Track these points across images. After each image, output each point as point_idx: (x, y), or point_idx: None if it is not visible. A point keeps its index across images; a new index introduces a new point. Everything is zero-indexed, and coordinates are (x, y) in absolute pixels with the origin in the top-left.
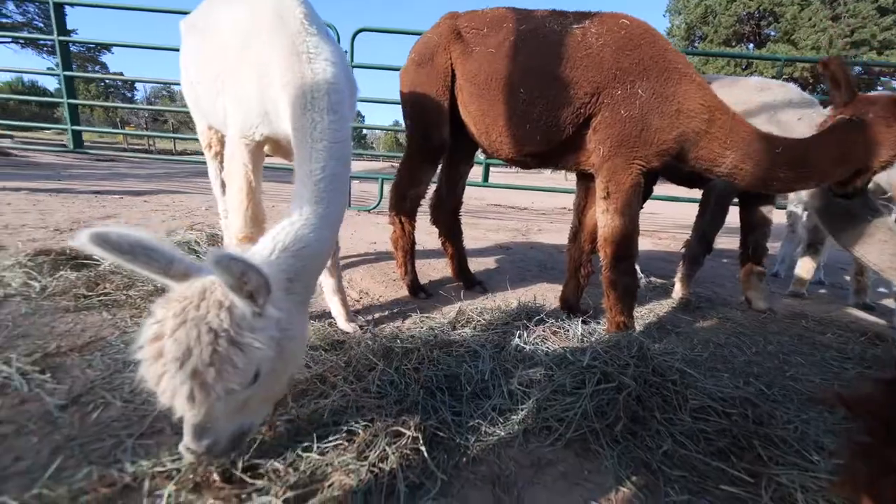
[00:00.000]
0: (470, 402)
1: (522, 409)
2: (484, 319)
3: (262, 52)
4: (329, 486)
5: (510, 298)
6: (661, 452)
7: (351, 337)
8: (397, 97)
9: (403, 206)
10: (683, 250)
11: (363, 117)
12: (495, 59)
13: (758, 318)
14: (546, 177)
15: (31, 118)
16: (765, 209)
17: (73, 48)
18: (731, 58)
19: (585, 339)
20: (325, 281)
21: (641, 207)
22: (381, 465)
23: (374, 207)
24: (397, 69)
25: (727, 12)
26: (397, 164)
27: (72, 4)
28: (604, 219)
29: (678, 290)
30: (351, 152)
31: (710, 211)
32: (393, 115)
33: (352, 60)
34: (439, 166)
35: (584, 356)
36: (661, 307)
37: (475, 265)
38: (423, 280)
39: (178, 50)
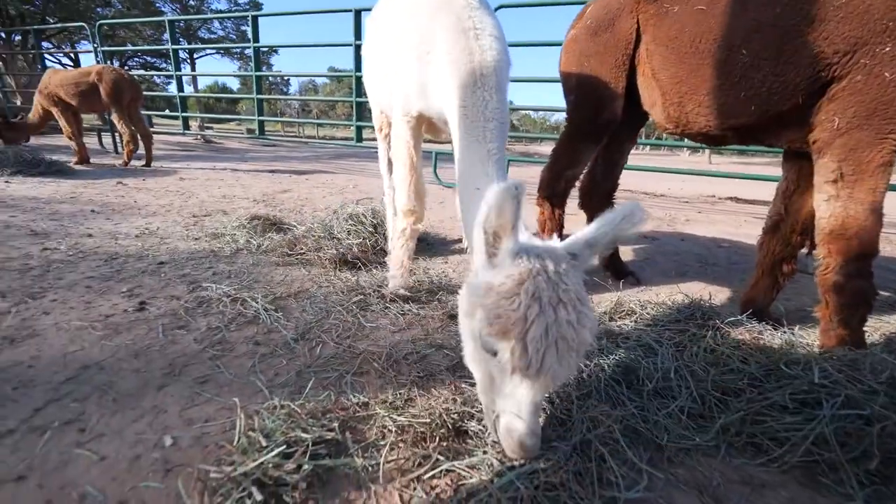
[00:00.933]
0: (652, 399)
1: (721, 419)
2: (648, 314)
3: (425, 27)
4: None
5: (673, 293)
6: None
7: None
8: (534, 75)
9: (557, 188)
10: None
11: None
12: (707, 17)
13: None
14: (684, 160)
15: (223, 113)
16: None
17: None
18: None
19: (794, 351)
20: None
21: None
22: (585, 450)
23: None
24: (545, 44)
25: None
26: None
27: (264, 15)
28: (831, 207)
29: None
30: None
31: None
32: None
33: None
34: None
35: (809, 371)
36: (889, 326)
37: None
38: None
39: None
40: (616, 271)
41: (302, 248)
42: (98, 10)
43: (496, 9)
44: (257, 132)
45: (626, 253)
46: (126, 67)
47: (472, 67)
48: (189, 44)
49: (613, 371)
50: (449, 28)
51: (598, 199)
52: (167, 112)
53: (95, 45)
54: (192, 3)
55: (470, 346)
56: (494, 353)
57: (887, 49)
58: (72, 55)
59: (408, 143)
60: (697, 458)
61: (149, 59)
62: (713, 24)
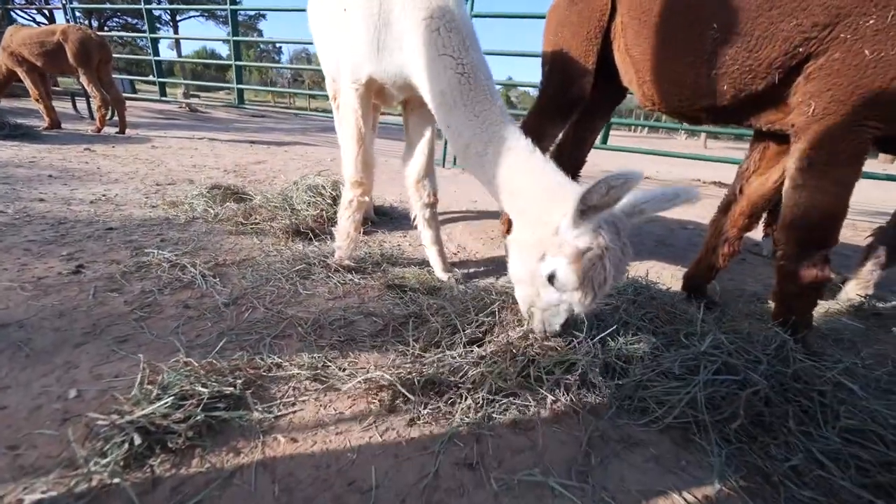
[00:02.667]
0: (559, 366)
1: (618, 383)
2: None
3: None
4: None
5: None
6: (789, 466)
7: (446, 284)
8: (511, 48)
9: None
10: (870, 240)
11: None
12: None
13: None
14: (679, 143)
15: (211, 80)
16: None
17: (239, 17)
18: None
19: (707, 326)
20: (424, 231)
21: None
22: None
23: None
24: (523, 17)
25: None
26: None
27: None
28: (796, 195)
29: (850, 290)
30: None
31: None
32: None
33: (472, 10)
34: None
35: (702, 341)
36: (820, 308)
37: None
38: None
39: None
40: None
41: (257, 218)
42: None
43: None
44: (236, 101)
45: None
46: (106, 28)
47: (458, 28)
48: (169, 3)
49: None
50: None
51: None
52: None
53: (64, 2)
54: None
55: (526, 271)
56: (551, 280)
57: (871, 22)
58: (45, 12)
59: (356, 112)
60: (584, 416)
61: (130, 19)
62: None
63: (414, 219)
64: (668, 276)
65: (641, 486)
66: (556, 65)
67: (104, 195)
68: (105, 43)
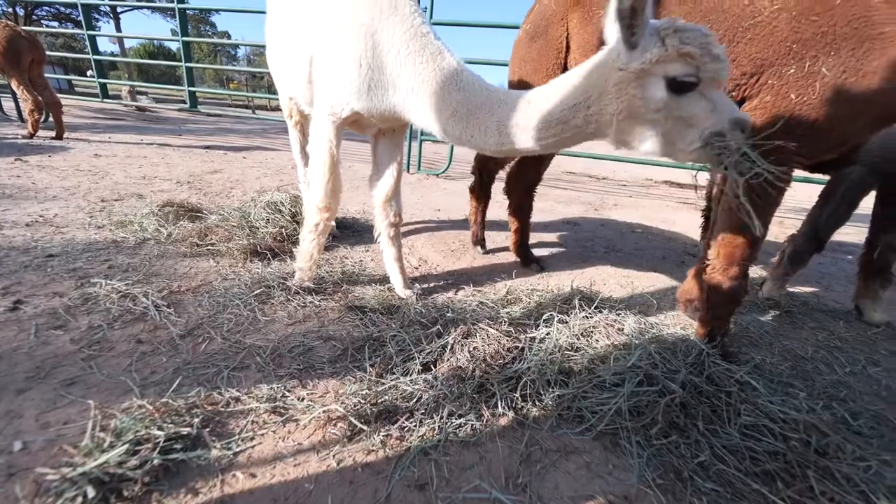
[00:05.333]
0: (503, 385)
1: (558, 395)
2: (534, 301)
3: (375, 16)
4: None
5: (566, 280)
6: (697, 462)
7: (406, 303)
8: (476, 57)
9: (488, 164)
10: (785, 245)
11: None
12: None
13: (866, 333)
14: None
15: (160, 76)
16: None
17: (189, 11)
18: None
19: (641, 336)
20: (387, 249)
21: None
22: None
23: (444, 171)
24: (483, 26)
25: None
26: None
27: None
28: (728, 219)
29: (767, 289)
30: None
31: (835, 204)
32: None
33: (431, 17)
34: None
35: (631, 355)
36: (741, 309)
37: (537, 240)
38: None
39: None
40: (523, 258)
41: (213, 239)
42: None
43: None
44: (188, 104)
45: (544, 239)
46: (33, 18)
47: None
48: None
49: (484, 349)
50: (400, 23)
51: (521, 189)
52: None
53: None
54: None
55: (650, 117)
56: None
57: (792, 71)
58: None
59: (331, 143)
60: (529, 426)
61: (62, 9)
62: None
63: (378, 236)
64: (613, 283)
65: (573, 493)
66: None
67: (42, 216)
68: (37, 41)
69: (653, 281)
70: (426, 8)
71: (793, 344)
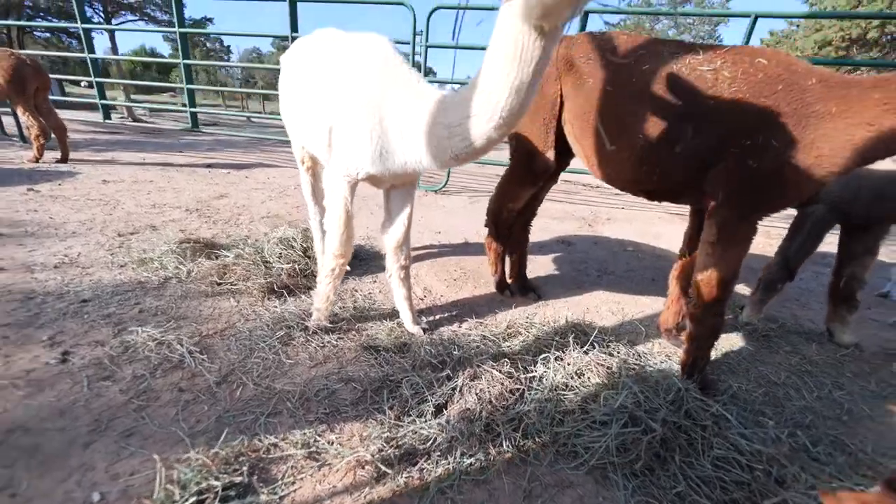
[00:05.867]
0: (507, 425)
1: (555, 432)
2: (532, 335)
3: (378, 92)
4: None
5: (562, 309)
6: (674, 493)
7: (416, 340)
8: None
9: (500, 217)
10: (761, 274)
11: None
12: (611, 100)
13: (835, 355)
14: None
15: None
16: (872, 240)
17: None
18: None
19: (628, 373)
20: (397, 290)
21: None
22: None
23: (442, 187)
24: (475, 48)
25: None
26: None
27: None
28: (705, 262)
29: (746, 313)
30: None
31: (802, 238)
32: None
33: (427, 40)
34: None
35: (618, 396)
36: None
37: (534, 263)
38: (481, 278)
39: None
40: (521, 288)
41: (231, 278)
42: None
43: (431, 11)
44: (190, 124)
45: (541, 263)
46: (27, 30)
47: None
48: (105, 8)
49: (489, 391)
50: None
51: (518, 225)
52: (83, 83)
53: None
54: None
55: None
56: None
57: (747, 142)
58: None
59: (346, 199)
60: (531, 462)
61: (54, 18)
62: (616, 109)
63: (389, 276)
64: (605, 310)
65: None
66: (520, 145)
67: (66, 255)
68: (41, 68)
69: (642, 307)
70: (422, 31)
71: (767, 369)
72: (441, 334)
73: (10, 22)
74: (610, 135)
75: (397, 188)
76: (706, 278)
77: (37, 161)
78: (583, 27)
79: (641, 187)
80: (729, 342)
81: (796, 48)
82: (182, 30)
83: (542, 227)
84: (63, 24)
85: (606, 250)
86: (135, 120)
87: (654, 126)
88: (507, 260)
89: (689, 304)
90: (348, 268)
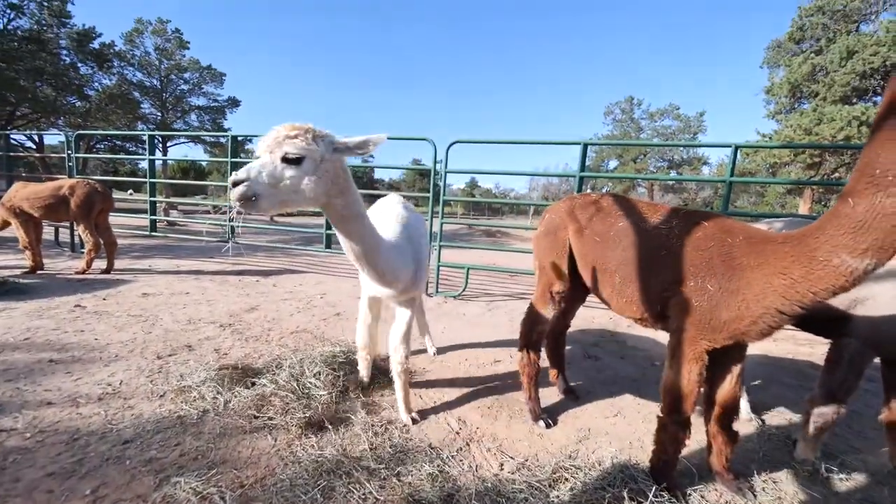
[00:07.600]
0: None
1: None
2: (579, 480)
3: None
4: None
5: (602, 443)
6: None
7: (461, 493)
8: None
9: (531, 338)
10: (807, 407)
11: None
12: (598, 247)
13: None
14: None
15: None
16: None
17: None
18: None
19: None
20: (397, 381)
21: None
22: None
23: (460, 293)
24: (485, 173)
25: (843, 69)
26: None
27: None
28: (668, 372)
29: (801, 450)
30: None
31: (843, 373)
32: None
33: (446, 166)
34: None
35: None
36: (778, 472)
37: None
38: (515, 404)
39: None
40: (568, 391)
41: (269, 412)
42: (70, 99)
43: (450, 145)
44: (230, 234)
45: (572, 381)
46: (94, 150)
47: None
48: (164, 142)
49: None
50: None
51: (551, 337)
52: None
53: (69, 152)
54: (169, 98)
55: None
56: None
57: (691, 284)
58: (35, 138)
59: (366, 313)
60: None
61: (118, 142)
62: (602, 253)
63: (391, 374)
64: (648, 442)
65: None
66: (543, 274)
67: (109, 384)
68: (108, 194)
69: None
70: (441, 160)
71: None
72: (485, 482)
73: (105, 155)
74: (599, 272)
75: (398, 301)
76: (669, 390)
77: (84, 272)
78: (583, 158)
79: (627, 314)
80: (791, 487)
81: (773, 156)
82: (233, 160)
83: (567, 339)
84: (137, 157)
85: (635, 366)
86: (170, 224)
87: (626, 268)
88: (554, 370)
89: (658, 414)
90: (365, 382)
